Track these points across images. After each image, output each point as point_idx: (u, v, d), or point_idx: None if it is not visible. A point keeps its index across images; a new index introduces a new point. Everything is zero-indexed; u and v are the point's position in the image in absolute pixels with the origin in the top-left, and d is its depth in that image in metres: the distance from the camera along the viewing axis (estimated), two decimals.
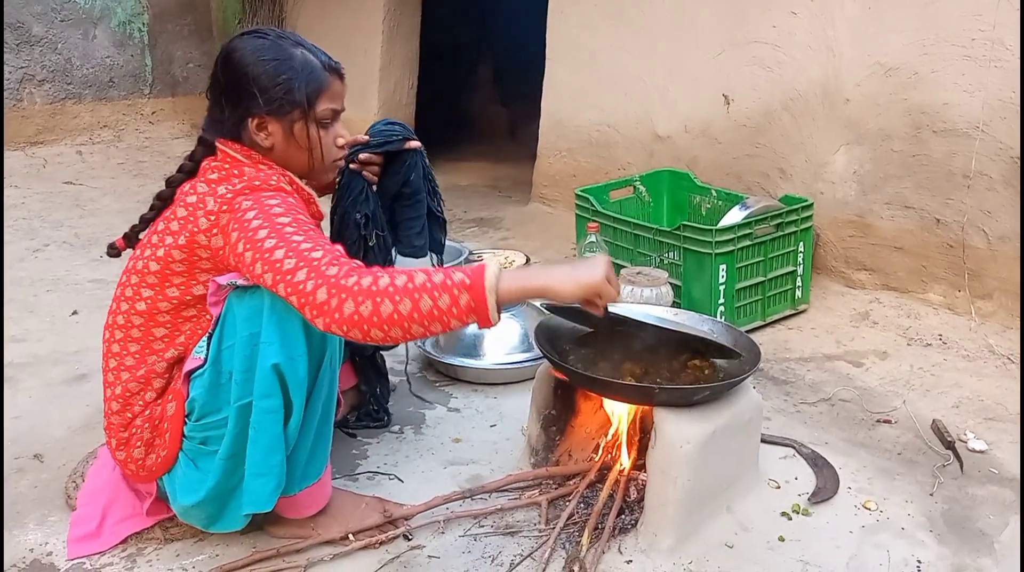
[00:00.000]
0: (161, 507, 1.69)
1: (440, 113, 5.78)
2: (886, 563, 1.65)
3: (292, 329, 1.48)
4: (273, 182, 1.53)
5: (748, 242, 2.68)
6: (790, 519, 1.79)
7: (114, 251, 1.76)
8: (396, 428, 2.16)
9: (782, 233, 2.77)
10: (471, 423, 2.21)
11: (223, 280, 1.50)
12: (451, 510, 1.77)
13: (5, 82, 5.21)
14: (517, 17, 5.34)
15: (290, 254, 1.38)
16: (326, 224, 1.95)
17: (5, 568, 1.63)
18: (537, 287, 1.41)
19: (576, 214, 3.08)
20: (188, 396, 1.56)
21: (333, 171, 1.74)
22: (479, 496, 1.82)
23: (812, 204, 2.86)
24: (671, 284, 2.60)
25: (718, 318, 2.60)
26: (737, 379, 1.73)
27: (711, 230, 2.61)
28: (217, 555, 1.66)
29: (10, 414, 2.22)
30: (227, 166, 1.58)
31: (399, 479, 1.94)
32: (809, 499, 1.85)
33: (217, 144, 1.61)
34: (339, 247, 1.44)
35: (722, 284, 2.64)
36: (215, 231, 1.49)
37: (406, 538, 1.70)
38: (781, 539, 1.72)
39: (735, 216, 2.73)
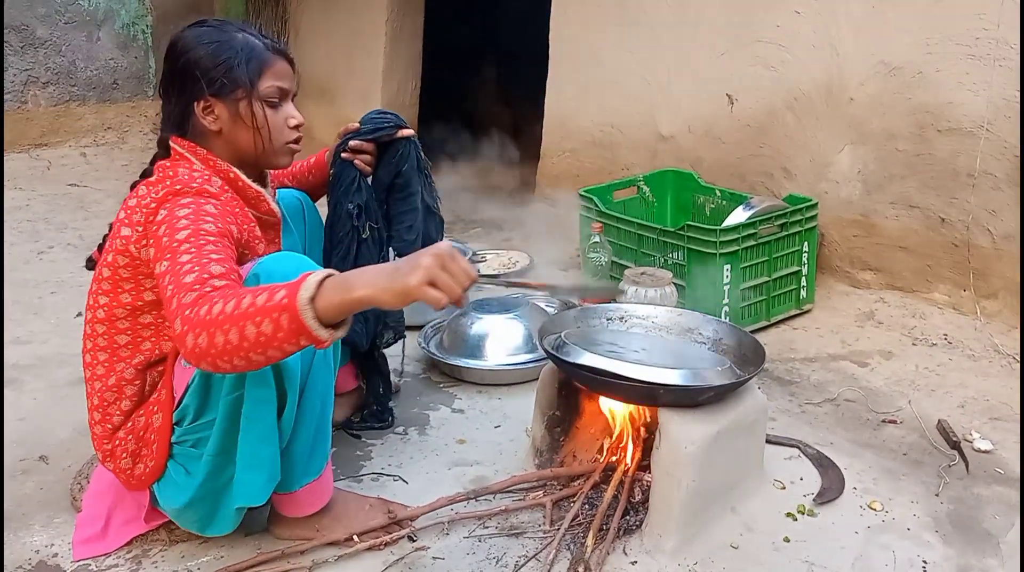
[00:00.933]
0: (157, 514, 1.68)
1: (443, 114, 5.79)
2: (892, 564, 1.65)
3: None
4: (195, 185, 1.51)
5: (752, 242, 2.67)
6: (795, 520, 1.78)
7: (91, 264, 1.76)
8: (400, 429, 2.16)
9: (786, 233, 2.77)
10: (475, 424, 2.20)
11: None
12: (456, 511, 1.77)
13: (10, 84, 5.22)
14: (520, 18, 5.33)
15: (171, 281, 1.35)
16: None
17: (12, 570, 1.64)
18: (358, 298, 1.25)
19: (580, 214, 3.08)
20: (178, 404, 1.55)
21: (287, 154, 1.69)
22: (483, 497, 1.82)
23: (816, 204, 2.86)
24: (675, 284, 2.60)
25: (723, 318, 2.60)
26: (742, 380, 1.73)
27: (715, 230, 2.61)
28: (222, 556, 1.66)
29: (15, 416, 2.22)
30: (168, 166, 1.58)
31: (403, 480, 1.94)
32: (814, 500, 1.84)
33: (170, 142, 1.61)
34: (218, 267, 1.36)
35: (726, 284, 2.64)
36: (144, 242, 1.49)
37: (411, 539, 1.70)
38: (786, 540, 1.72)
39: (739, 216, 2.72)
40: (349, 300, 1.24)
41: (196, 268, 1.35)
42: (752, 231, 2.66)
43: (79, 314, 2.91)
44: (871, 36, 2.91)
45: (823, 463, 1.98)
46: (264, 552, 1.64)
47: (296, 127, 1.66)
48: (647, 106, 3.65)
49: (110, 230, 1.65)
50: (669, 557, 1.65)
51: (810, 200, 2.85)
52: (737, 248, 2.63)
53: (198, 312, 1.27)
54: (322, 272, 1.28)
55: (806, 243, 2.84)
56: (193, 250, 1.38)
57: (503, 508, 1.77)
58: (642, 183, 3.25)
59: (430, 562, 1.65)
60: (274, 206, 1.72)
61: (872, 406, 2.29)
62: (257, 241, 1.63)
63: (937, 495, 1.88)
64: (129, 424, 1.60)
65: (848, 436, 2.14)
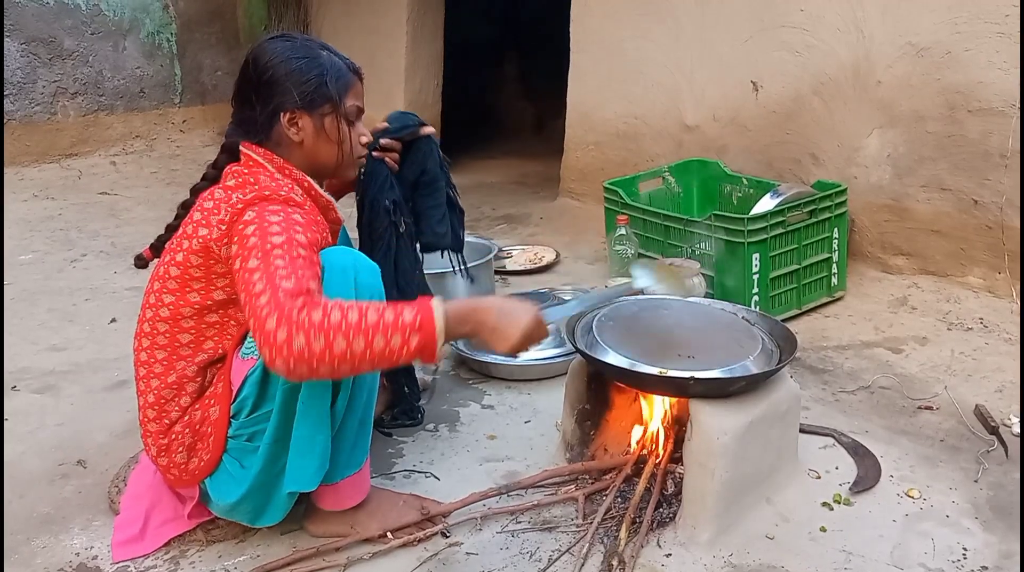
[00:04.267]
0: (203, 510, 1.71)
1: (466, 111, 5.79)
2: (931, 551, 1.63)
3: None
4: (283, 193, 1.55)
5: (781, 230, 2.64)
6: (831, 509, 1.76)
7: (141, 262, 1.80)
8: (431, 426, 2.17)
9: (816, 220, 2.73)
10: (505, 420, 2.20)
11: None
12: (488, 507, 1.77)
13: (39, 95, 5.31)
14: (541, 12, 5.32)
15: (263, 278, 1.39)
16: (353, 214, 1.97)
17: None
18: (469, 333, 1.47)
19: (605, 207, 3.06)
20: (236, 397, 1.57)
21: (356, 168, 1.78)
22: (515, 492, 1.82)
23: (846, 189, 2.82)
24: (704, 275, 2.58)
25: (752, 308, 2.57)
26: (774, 369, 1.71)
27: (743, 219, 2.59)
28: (258, 555, 1.68)
29: (53, 421, 2.26)
30: (246, 171, 1.61)
31: (435, 477, 1.94)
32: (850, 488, 1.82)
33: (241, 148, 1.64)
34: (315, 283, 1.42)
35: (756, 273, 2.62)
36: (225, 240, 1.51)
37: (444, 535, 1.70)
38: (823, 529, 1.70)
39: (767, 204, 2.70)
40: (464, 333, 1.46)
41: (293, 276, 1.39)
42: (781, 219, 2.64)
43: (113, 320, 2.96)
44: (897, 17, 2.86)
45: (858, 451, 1.96)
46: (300, 550, 1.65)
47: (366, 144, 1.74)
48: (671, 96, 3.62)
49: (168, 231, 1.70)
50: (704, 549, 1.64)
51: (839, 186, 2.81)
52: (766, 236, 2.60)
53: (310, 315, 1.32)
54: (443, 300, 1.42)
55: (836, 229, 2.80)
56: (287, 258, 1.42)
57: (535, 503, 1.77)
58: (667, 174, 3.23)
59: (463, 558, 1.65)
60: (340, 214, 1.77)
61: (907, 393, 2.26)
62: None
63: (976, 481, 1.85)
64: (186, 418, 1.63)
65: (883, 423, 2.11)
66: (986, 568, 1.58)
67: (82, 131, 5.53)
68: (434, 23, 5.14)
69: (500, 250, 3.37)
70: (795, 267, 2.72)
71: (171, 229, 1.73)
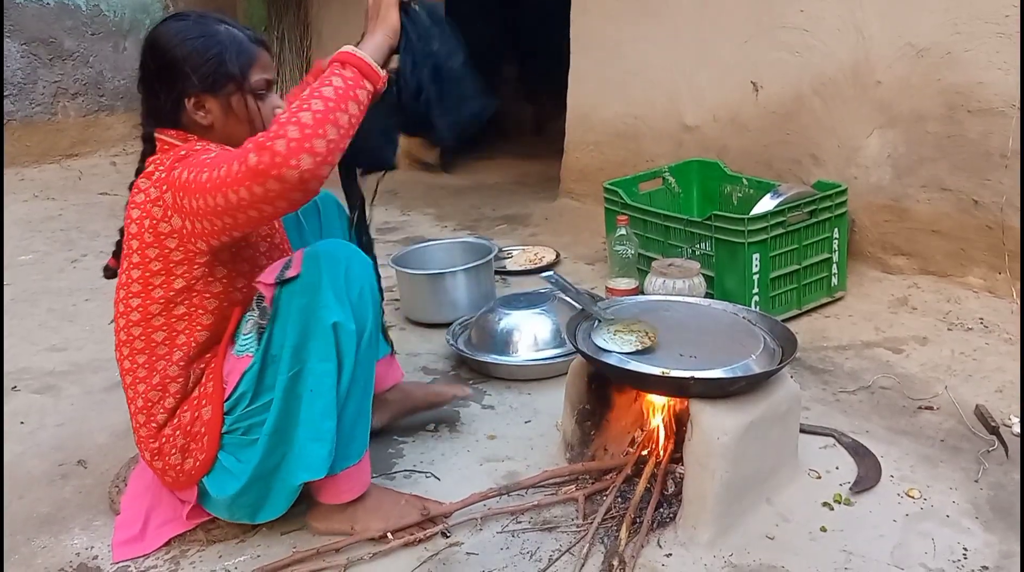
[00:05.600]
0: (201, 512, 1.71)
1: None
2: (931, 551, 1.63)
3: (341, 291, 1.51)
4: (197, 147, 1.55)
5: (781, 230, 2.65)
6: (832, 509, 1.76)
7: (110, 272, 1.78)
8: (431, 426, 2.17)
9: (816, 220, 2.73)
10: (505, 420, 2.20)
11: (269, 278, 1.53)
12: (488, 507, 1.77)
13: (40, 96, 5.31)
14: (540, 13, 5.32)
15: (204, 169, 1.41)
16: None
17: None
18: (380, 43, 1.57)
19: (605, 208, 3.06)
20: (231, 394, 1.57)
21: None
22: (516, 492, 1.82)
23: (846, 189, 2.82)
24: (704, 275, 2.58)
25: (753, 308, 2.58)
26: (775, 369, 1.71)
27: (743, 219, 2.59)
28: (259, 556, 1.68)
29: (53, 422, 2.26)
30: (167, 154, 1.59)
31: (436, 477, 1.94)
32: (851, 488, 1.82)
33: (155, 134, 1.62)
34: None
35: (756, 273, 2.62)
36: (171, 213, 1.50)
37: (444, 535, 1.70)
38: (823, 529, 1.70)
39: (767, 204, 2.70)
40: (377, 43, 1.55)
41: (225, 153, 1.43)
42: (781, 219, 2.64)
43: (113, 321, 2.95)
44: (897, 17, 2.86)
45: (859, 451, 1.96)
46: (300, 551, 1.65)
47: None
48: (671, 96, 3.63)
49: (122, 236, 1.68)
50: (704, 549, 1.64)
51: (839, 186, 2.81)
52: (766, 237, 2.60)
53: (270, 130, 1.35)
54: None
55: (836, 229, 2.80)
56: (200, 164, 1.44)
57: (536, 503, 1.77)
58: (667, 174, 3.23)
59: (464, 558, 1.65)
60: None
61: (908, 393, 2.26)
62: (259, 238, 1.68)
63: (976, 481, 1.85)
64: (175, 420, 1.63)
65: (884, 424, 2.11)
66: (987, 568, 1.58)
67: (82, 131, 5.54)
68: None
69: (500, 250, 3.37)
70: (795, 267, 2.72)
71: (123, 232, 1.70)
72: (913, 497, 1.80)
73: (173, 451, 1.63)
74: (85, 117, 5.54)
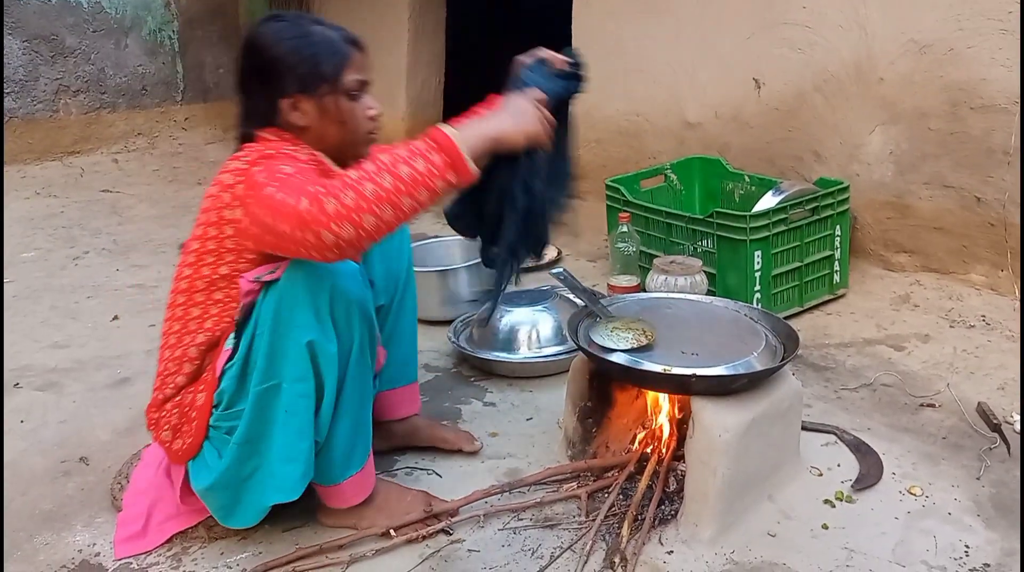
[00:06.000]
0: (189, 493, 1.71)
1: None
2: (933, 549, 1.63)
3: (323, 310, 1.49)
4: (287, 150, 1.55)
5: (783, 227, 2.64)
6: (833, 506, 1.76)
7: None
8: (431, 419, 2.16)
9: (818, 217, 2.73)
10: (507, 417, 2.20)
11: (250, 276, 1.52)
12: (490, 504, 1.77)
13: (41, 93, 5.31)
14: (542, 10, 5.31)
15: (274, 183, 1.39)
16: None
17: (56, 569, 1.67)
18: (492, 137, 1.46)
19: (607, 205, 3.06)
20: (218, 387, 1.58)
21: (366, 144, 1.70)
22: (517, 490, 1.82)
23: (848, 187, 2.82)
24: (705, 272, 2.58)
25: (755, 305, 2.58)
26: (776, 366, 1.71)
27: (745, 216, 2.58)
28: (261, 552, 1.68)
29: (56, 419, 2.26)
30: (259, 148, 1.59)
31: (437, 474, 1.94)
32: (852, 486, 1.82)
33: (256, 133, 1.62)
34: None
35: (758, 271, 2.61)
36: (236, 203, 1.51)
37: (447, 533, 1.70)
38: (825, 527, 1.70)
39: (769, 201, 2.69)
40: (487, 138, 1.45)
41: (306, 176, 1.40)
42: (783, 216, 2.63)
43: (115, 318, 2.96)
44: (900, 14, 2.85)
45: (861, 449, 1.96)
46: (302, 548, 1.66)
47: (374, 117, 1.68)
48: (672, 93, 3.62)
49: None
50: (706, 546, 1.64)
51: (841, 183, 2.81)
52: (768, 234, 2.60)
53: (331, 183, 1.33)
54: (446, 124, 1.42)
55: (838, 227, 2.80)
56: (296, 172, 1.43)
57: (537, 500, 1.77)
58: (669, 171, 3.23)
59: (465, 555, 1.65)
60: None
61: (910, 390, 2.25)
62: None
63: (978, 479, 1.85)
64: (177, 398, 1.64)
65: (886, 421, 2.11)
66: (988, 565, 1.58)
67: (84, 129, 5.54)
68: (436, 21, 5.13)
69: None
70: (797, 264, 2.72)
71: None
72: (915, 494, 1.80)
73: (166, 427, 1.64)
74: (87, 114, 5.54)
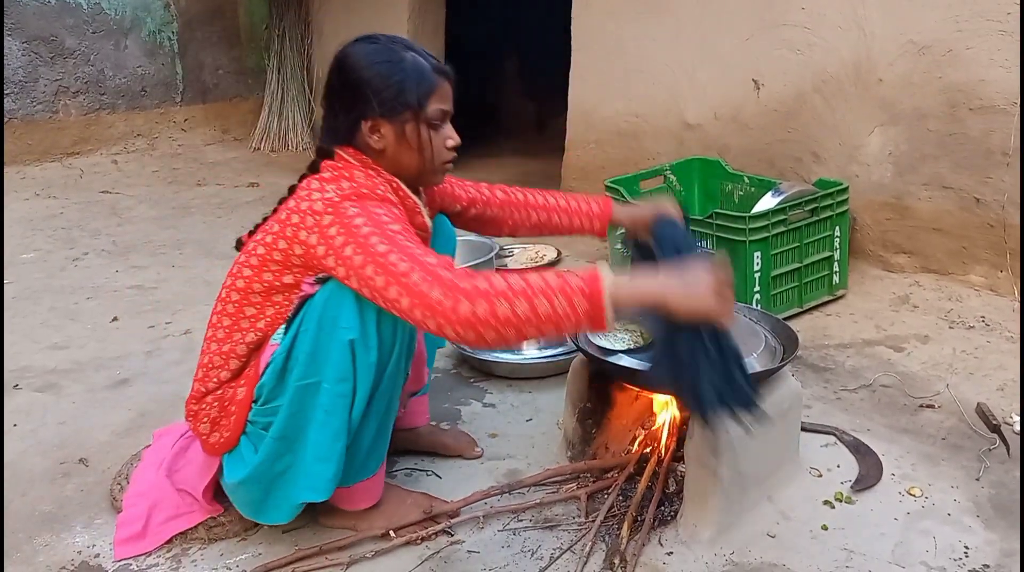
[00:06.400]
0: (213, 488, 1.72)
1: (467, 109, 5.79)
2: (932, 550, 1.63)
3: (368, 318, 1.50)
4: (380, 191, 1.55)
5: (783, 228, 2.64)
6: (833, 507, 1.76)
7: (239, 245, 1.75)
8: (432, 424, 2.16)
9: (817, 218, 2.73)
10: (507, 418, 2.21)
11: (312, 279, 1.53)
12: (490, 505, 1.77)
13: (41, 94, 5.31)
14: (542, 9, 5.32)
15: (403, 258, 1.39)
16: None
17: (56, 571, 1.67)
18: (651, 300, 1.37)
19: None
20: (259, 382, 1.59)
21: (442, 173, 1.71)
22: (517, 491, 1.82)
23: (847, 187, 2.82)
24: None
25: (754, 306, 2.58)
26: (776, 367, 1.71)
27: (744, 217, 2.59)
28: (260, 554, 1.68)
29: (55, 420, 2.26)
30: (340, 166, 1.59)
31: (437, 475, 1.94)
32: (852, 487, 1.82)
33: (335, 150, 1.62)
34: (447, 256, 1.44)
35: (757, 272, 2.61)
36: (315, 230, 1.50)
37: (447, 534, 1.70)
38: (824, 528, 1.70)
39: (768, 202, 2.70)
40: (643, 300, 1.37)
41: (431, 254, 1.40)
42: (782, 217, 2.63)
43: (115, 319, 2.96)
44: (899, 15, 2.86)
45: (860, 449, 1.96)
46: (302, 549, 1.66)
47: (452, 148, 1.68)
48: (672, 94, 3.62)
49: (265, 221, 1.67)
50: (705, 547, 1.64)
51: (841, 184, 2.81)
52: (767, 235, 2.60)
53: (474, 284, 1.34)
54: (609, 271, 1.37)
55: (838, 228, 2.80)
56: (413, 241, 1.43)
57: (537, 501, 1.77)
58: (669, 172, 3.23)
59: (465, 556, 1.65)
60: (427, 220, 1.74)
61: (909, 391, 2.26)
62: None
63: (978, 479, 1.85)
64: (219, 392, 1.64)
65: (885, 422, 2.11)
66: (988, 566, 1.58)
67: (84, 130, 5.53)
68: (435, 21, 5.13)
69: (501, 249, 3.37)
70: (796, 265, 2.72)
71: (266, 219, 1.69)
72: (914, 495, 1.80)
73: (205, 420, 1.65)
74: (86, 115, 5.53)
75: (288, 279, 1.57)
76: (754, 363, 1.70)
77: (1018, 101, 2.61)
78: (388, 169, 1.62)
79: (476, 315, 1.32)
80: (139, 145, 5.74)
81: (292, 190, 1.64)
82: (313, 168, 1.65)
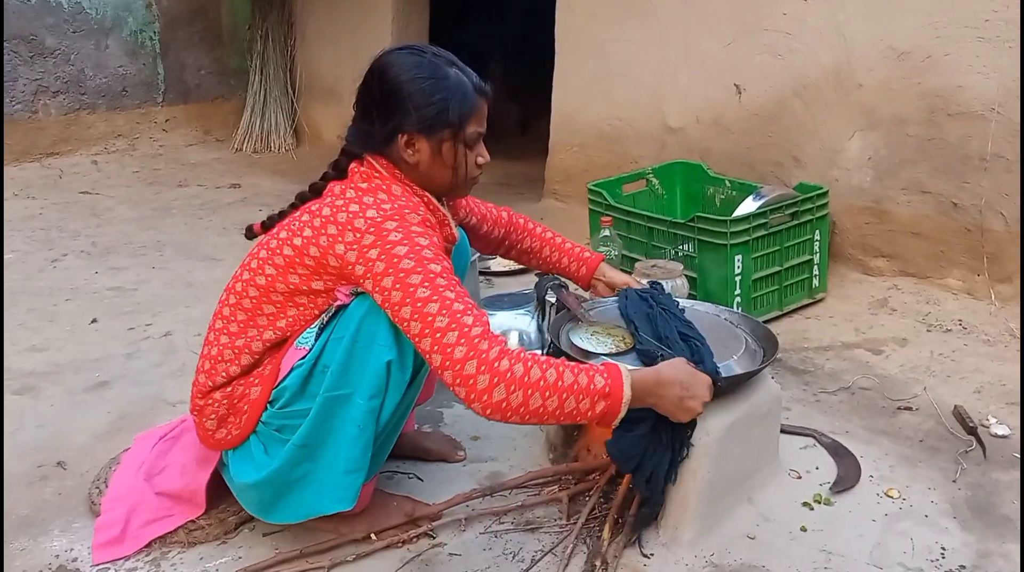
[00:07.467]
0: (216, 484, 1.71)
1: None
2: (910, 551, 1.64)
3: (405, 338, 1.48)
4: (420, 212, 1.55)
5: (763, 232, 2.66)
6: (812, 509, 1.78)
7: (251, 234, 1.75)
8: (414, 426, 2.16)
9: (798, 222, 2.75)
10: (489, 420, 2.20)
11: (348, 289, 1.53)
12: (472, 508, 1.77)
13: (20, 94, 5.26)
14: (526, 12, 5.33)
15: (443, 312, 1.39)
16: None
17: None
18: (652, 404, 1.50)
19: (589, 209, 3.07)
20: (278, 383, 1.57)
21: (469, 188, 1.72)
22: (499, 493, 1.82)
23: (827, 192, 2.84)
24: (686, 276, 2.60)
25: (735, 309, 2.59)
26: (754, 369, 1.72)
27: (726, 221, 2.60)
28: (240, 557, 1.67)
29: (33, 423, 2.24)
30: (376, 176, 1.58)
31: (419, 478, 1.94)
32: (831, 488, 1.84)
33: (366, 156, 1.60)
34: (486, 315, 1.44)
35: (738, 275, 2.63)
36: (354, 247, 1.48)
37: (430, 536, 1.70)
38: (803, 529, 1.71)
39: (749, 206, 2.71)
40: (646, 404, 1.48)
41: (469, 312, 1.41)
42: (763, 221, 2.65)
43: (94, 321, 2.94)
44: (879, 21, 2.89)
45: (839, 452, 1.97)
46: (282, 552, 1.65)
47: (482, 166, 1.69)
48: (655, 98, 3.64)
49: (280, 215, 1.66)
50: (686, 549, 1.64)
51: (821, 188, 2.83)
52: (748, 238, 2.62)
53: (511, 369, 1.37)
54: (630, 369, 1.46)
55: (818, 231, 2.82)
56: (453, 289, 1.43)
57: (519, 504, 1.78)
58: (651, 175, 3.24)
59: (447, 558, 1.65)
60: (455, 230, 1.74)
61: (887, 393, 2.28)
62: None
63: (955, 481, 1.87)
64: (228, 389, 1.62)
65: (863, 424, 2.13)
66: (964, 567, 1.60)
67: (63, 130, 5.48)
68: (419, 23, 5.13)
69: (480, 255, 3.36)
70: (777, 269, 2.74)
71: (283, 214, 1.68)
72: (892, 497, 1.81)
73: (212, 416, 1.63)
74: (66, 115, 5.48)
75: (317, 285, 1.55)
76: (734, 366, 1.71)
77: (996, 107, 2.64)
78: (418, 182, 1.61)
79: (509, 404, 1.37)
80: (119, 145, 5.70)
81: (317, 191, 1.63)
82: (338, 169, 1.63)
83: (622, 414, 1.43)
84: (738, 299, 2.65)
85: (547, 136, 4.18)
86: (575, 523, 1.69)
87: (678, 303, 1.90)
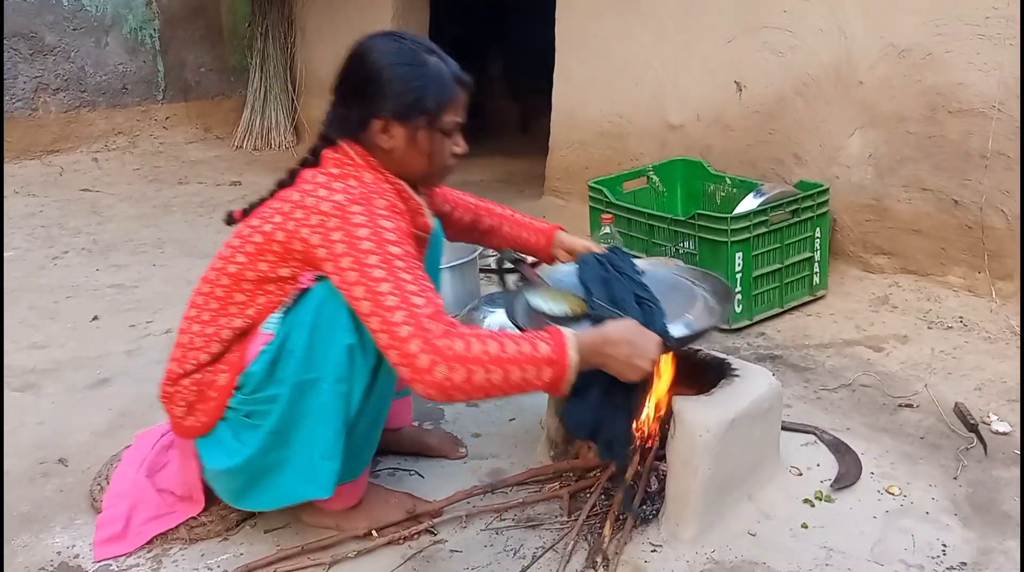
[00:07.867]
0: (191, 505, 1.71)
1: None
2: (911, 548, 1.64)
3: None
4: (389, 198, 1.54)
5: (764, 229, 2.66)
6: (813, 506, 1.78)
7: (231, 220, 1.73)
8: (415, 423, 2.16)
9: (798, 219, 2.75)
10: (490, 417, 2.21)
11: (311, 274, 1.53)
12: (472, 504, 1.77)
13: (20, 91, 5.26)
14: (526, 10, 5.33)
15: (395, 292, 1.40)
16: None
17: (35, 571, 1.66)
18: (601, 364, 1.48)
19: (590, 206, 3.07)
20: (245, 369, 1.57)
21: (443, 177, 1.72)
22: (500, 490, 1.82)
23: (828, 189, 2.84)
24: None
25: (736, 308, 2.60)
26: (702, 329, 1.68)
27: (726, 218, 2.60)
28: (242, 554, 1.68)
29: (34, 420, 2.24)
30: (349, 163, 1.58)
31: (419, 475, 1.94)
32: (831, 485, 1.84)
33: (339, 142, 1.60)
34: (440, 298, 1.45)
35: (738, 272, 2.63)
36: (319, 230, 1.48)
37: (430, 533, 1.70)
38: (804, 526, 1.71)
39: (750, 203, 2.71)
40: (593, 365, 1.46)
41: (423, 294, 1.41)
42: (763, 218, 2.65)
43: (95, 318, 2.94)
44: (879, 18, 2.88)
45: (840, 449, 1.97)
46: (284, 549, 1.65)
47: (458, 155, 1.67)
48: (655, 95, 3.64)
49: (260, 201, 1.64)
50: (687, 546, 1.65)
51: (821, 185, 2.83)
52: (748, 236, 2.62)
53: (452, 347, 1.36)
54: (574, 332, 1.44)
55: (818, 229, 2.82)
56: (410, 271, 1.44)
57: (520, 500, 1.78)
58: (652, 173, 3.24)
59: (448, 555, 1.65)
60: (430, 220, 1.73)
61: (888, 391, 2.28)
62: None
63: (955, 478, 1.87)
64: (198, 376, 1.62)
65: (864, 421, 2.13)
66: (965, 564, 1.60)
67: (64, 127, 5.48)
68: (418, 22, 5.13)
69: (484, 249, 3.36)
70: (777, 266, 2.74)
71: (263, 201, 1.66)
72: (893, 494, 1.82)
73: (182, 403, 1.63)
74: (66, 113, 5.48)
75: (284, 272, 1.56)
76: (684, 326, 1.65)
77: (996, 104, 2.64)
78: (392, 169, 1.61)
79: (451, 381, 1.36)
80: (120, 143, 5.70)
81: (293, 175, 1.62)
82: (314, 154, 1.62)
83: (570, 377, 1.41)
84: (739, 297, 2.65)
85: (548, 134, 4.17)
86: (576, 520, 1.69)
87: (635, 265, 1.85)
